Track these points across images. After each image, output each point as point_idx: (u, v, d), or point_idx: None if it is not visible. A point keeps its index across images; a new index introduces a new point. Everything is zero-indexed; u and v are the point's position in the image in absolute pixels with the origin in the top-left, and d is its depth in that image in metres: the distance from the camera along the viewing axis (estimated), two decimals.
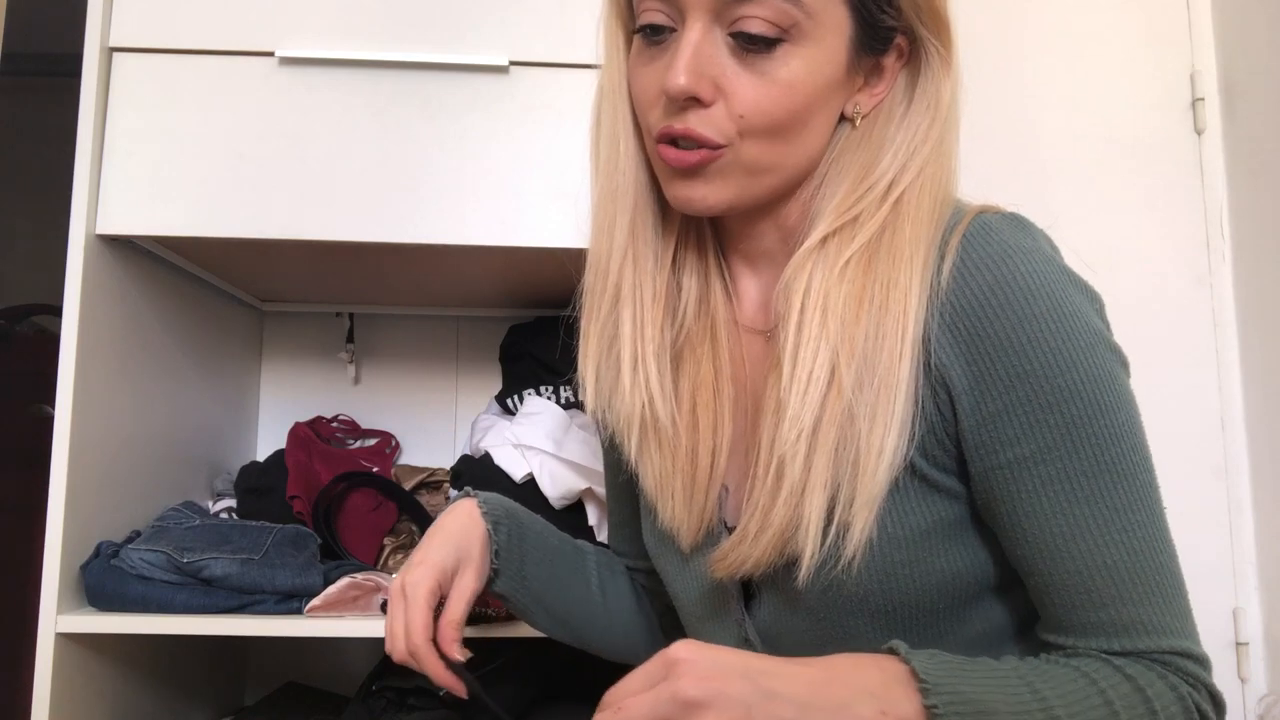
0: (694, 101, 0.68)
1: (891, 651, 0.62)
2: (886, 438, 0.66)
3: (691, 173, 0.70)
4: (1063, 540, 0.65)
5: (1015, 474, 0.66)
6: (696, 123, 0.68)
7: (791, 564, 0.69)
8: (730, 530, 0.75)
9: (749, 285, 0.80)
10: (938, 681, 0.59)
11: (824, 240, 0.71)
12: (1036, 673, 0.64)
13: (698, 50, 0.67)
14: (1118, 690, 0.62)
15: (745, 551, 0.70)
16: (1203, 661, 0.66)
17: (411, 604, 0.76)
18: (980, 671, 0.63)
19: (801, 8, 0.66)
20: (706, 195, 0.71)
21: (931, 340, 0.67)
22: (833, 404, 0.67)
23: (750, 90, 0.67)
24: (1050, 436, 0.65)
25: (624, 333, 0.76)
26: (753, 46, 0.67)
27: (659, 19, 0.69)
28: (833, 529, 0.67)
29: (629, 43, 0.75)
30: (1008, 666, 0.64)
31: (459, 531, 0.82)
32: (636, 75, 0.73)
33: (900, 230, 0.69)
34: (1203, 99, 1.55)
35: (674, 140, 0.70)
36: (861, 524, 0.66)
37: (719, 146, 0.69)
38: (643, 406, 0.76)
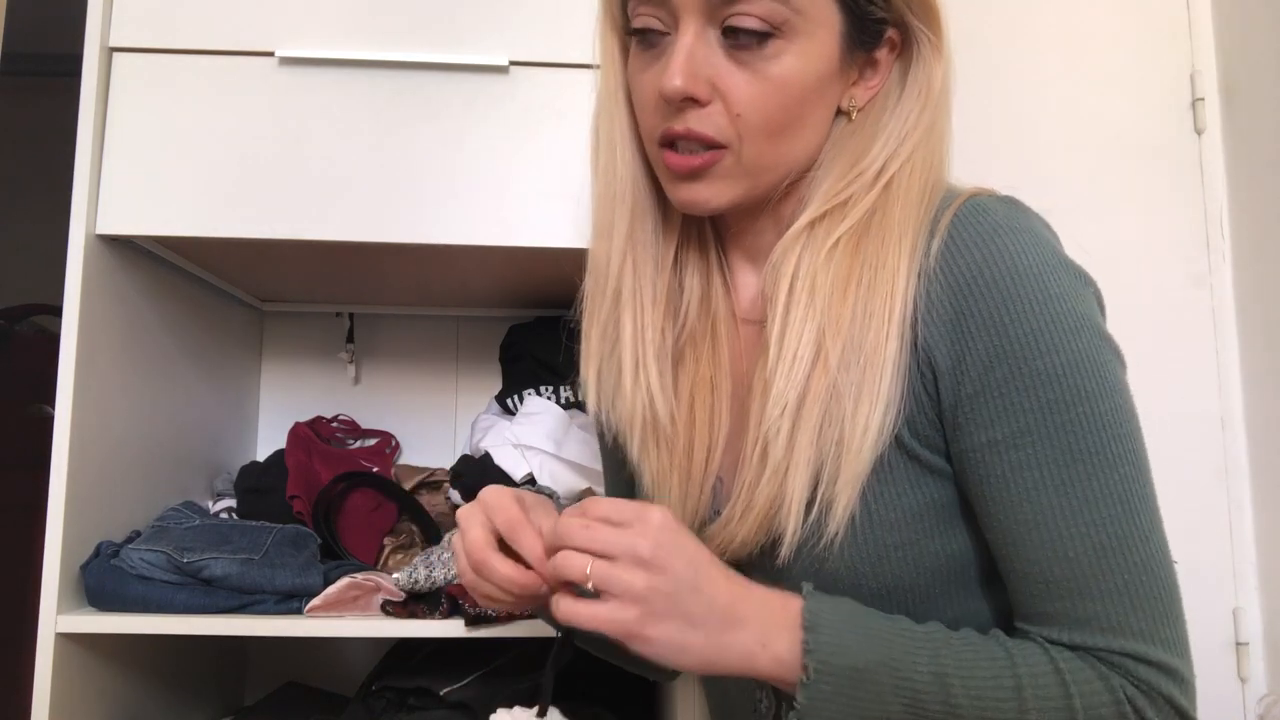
0: (691, 102, 0.69)
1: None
2: (872, 415, 0.66)
3: (694, 175, 0.71)
4: (1027, 528, 0.64)
5: (988, 457, 0.65)
6: (695, 122, 0.69)
7: (777, 544, 0.69)
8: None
9: (748, 278, 0.80)
10: (819, 624, 0.63)
11: (811, 224, 0.71)
12: (953, 642, 0.64)
13: (692, 52, 0.68)
14: (1036, 675, 0.62)
15: (732, 531, 0.71)
16: (1169, 671, 0.63)
17: (494, 508, 0.69)
18: (880, 628, 0.64)
19: (790, 5, 0.67)
20: (710, 198, 0.72)
21: (920, 319, 0.67)
22: (817, 381, 0.67)
23: (745, 88, 0.68)
24: (1025, 420, 0.64)
25: (625, 336, 0.77)
26: (744, 43, 0.67)
27: (652, 23, 0.70)
28: (815, 507, 0.67)
29: (624, 48, 0.76)
30: (924, 630, 0.65)
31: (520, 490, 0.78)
32: (636, 82, 0.73)
33: (889, 213, 0.69)
34: (1203, 99, 1.55)
35: (674, 142, 0.70)
36: (845, 502, 0.66)
37: (720, 146, 0.69)
38: (644, 408, 0.76)
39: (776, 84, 0.68)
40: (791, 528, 0.67)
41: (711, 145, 0.70)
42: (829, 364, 0.67)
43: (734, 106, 0.68)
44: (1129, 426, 0.65)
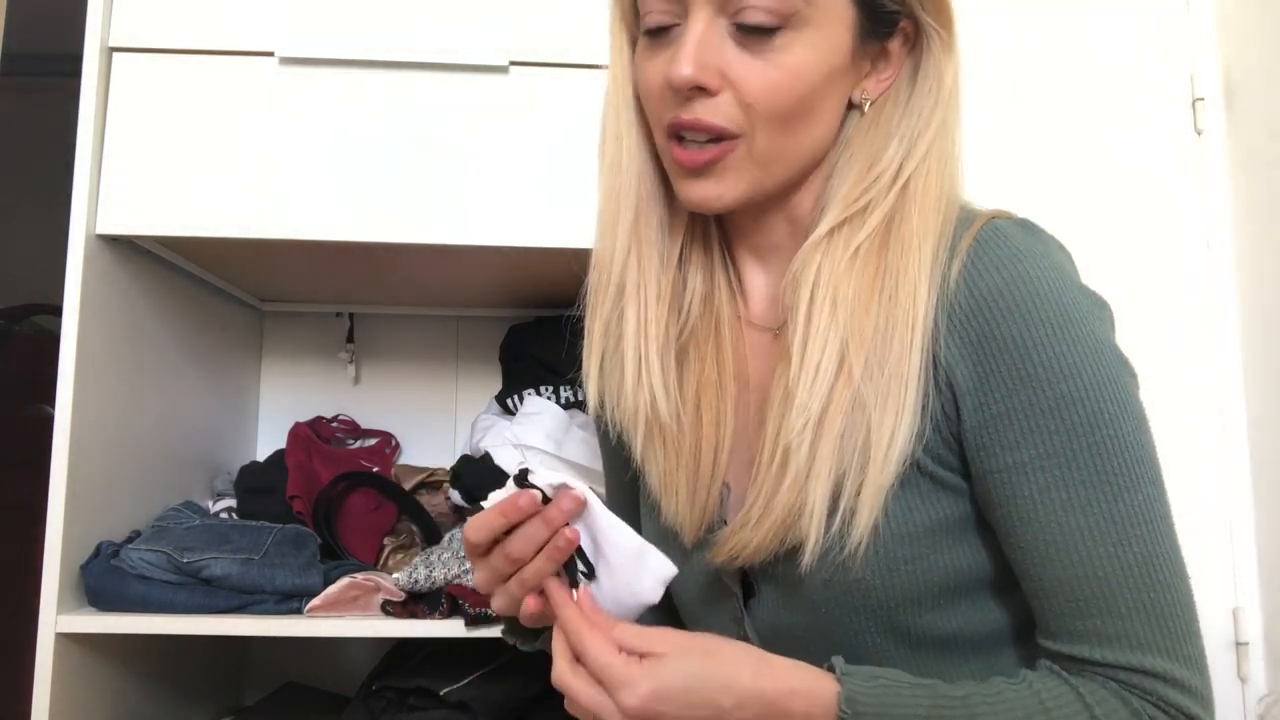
0: (700, 91, 0.68)
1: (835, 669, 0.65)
2: (898, 426, 0.66)
3: (703, 171, 0.70)
4: (1055, 549, 0.65)
5: (1013, 478, 0.66)
6: (704, 112, 0.68)
7: (794, 552, 0.69)
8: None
9: (757, 281, 0.80)
10: (858, 714, 0.62)
11: (831, 231, 0.71)
12: (988, 704, 0.64)
13: (702, 40, 0.67)
14: None
15: (746, 537, 0.70)
16: (1187, 688, 0.64)
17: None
18: (916, 704, 0.63)
19: None
20: (722, 194, 0.71)
21: (940, 340, 0.67)
22: (840, 392, 0.67)
23: (757, 77, 0.68)
24: (1050, 442, 0.65)
25: (628, 332, 0.76)
26: (756, 33, 0.67)
27: (664, 19, 0.70)
28: (838, 516, 0.67)
29: (631, 42, 0.75)
30: (960, 696, 0.65)
31: None
32: (643, 70, 0.72)
33: (908, 219, 0.70)
34: (1203, 99, 1.55)
35: (681, 134, 0.70)
36: (869, 512, 0.66)
37: (732, 136, 0.69)
38: (646, 405, 0.76)
39: (788, 73, 0.68)
40: (813, 537, 0.67)
41: (721, 136, 0.69)
42: (852, 375, 0.67)
43: (745, 95, 0.68)
44: (1149, 447, 0.66)
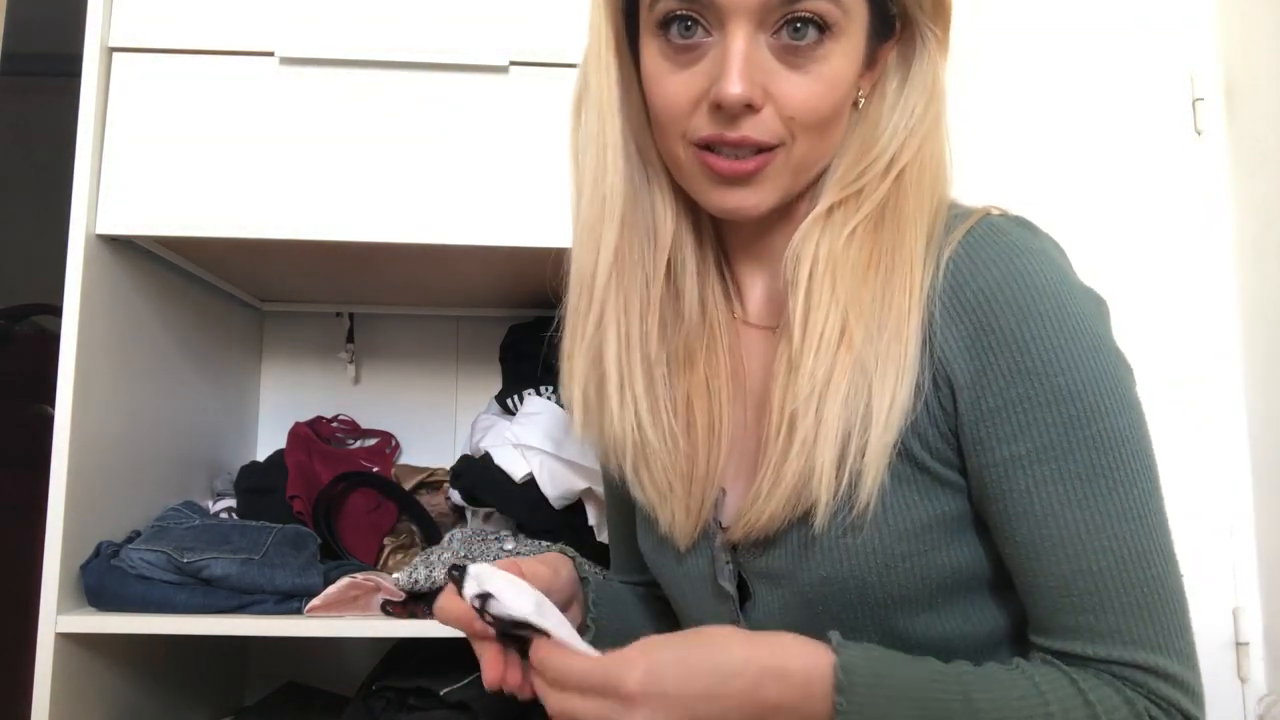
0: (746, 109, 0.68)
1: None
2: (898, 386, 0.66)
3: (742, 180, 0.70)
4: (1051, 543, 0.65)
5: (1009, 472, 0.66)
6: (751, 129, 0.68)
7: (808, 515, 0.69)
8: (724, 530, 0.76)
9: (754, 282, 0.80)
10: (852, 685, 0.62)
11: (830, 210, 0.72)
12: (984, 683, 0.64)
13: (747, 58, 0.67)
14: (1067, 710, 0.62)
15: (759, 509, 0.70)
16: (1180, 683, 0.64)
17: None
18: (912, 677, 0.63)
19: (840, 6, 0.67)
20: (759, 202, 0.71)
21: (936, 332, 0.67)
22: (843, 358, 0.68)
23: (800, 91, 0.68)
24: (1046, 436, 0.65)
25: (609, 354, 0.75)
26: (798, 46, 0.67)
27: (684, 10, 0.68)
28: (845, 477, 0.67)
29: (619, 44, 0.74)
30: (954, 672, 0.65)
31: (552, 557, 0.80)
32: (663, 81, 0.71)
33: (903, 206, 0.71)
34: (1202, 99, 1.55)
35: (715, 147, 0.69)
36: (874, 473, 0.66)
37: (773, 147, 0.69)
38: (632, 430, 0.75)
39: (828, 84, 0.68)
40: (824, 499, 0.67)
41: (763, 149, 0.69)
42: (854, 342, 0.68)
43: (788, 109, 0.68)
44: (1145, 443, 0.66)
